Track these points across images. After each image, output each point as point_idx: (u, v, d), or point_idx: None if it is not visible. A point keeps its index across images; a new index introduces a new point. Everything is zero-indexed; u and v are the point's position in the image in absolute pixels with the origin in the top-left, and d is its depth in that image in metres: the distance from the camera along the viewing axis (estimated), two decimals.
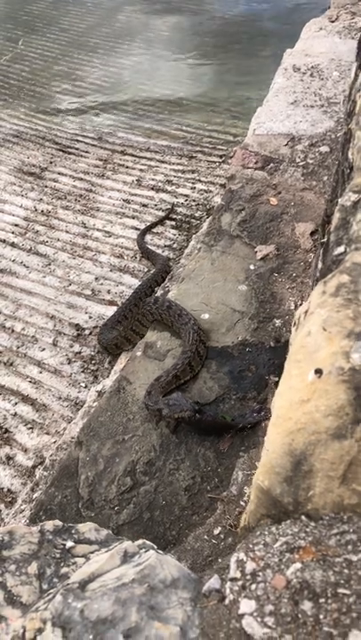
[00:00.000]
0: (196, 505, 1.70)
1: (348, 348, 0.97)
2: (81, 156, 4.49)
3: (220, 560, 1.51)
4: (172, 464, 1.80)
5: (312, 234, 2.60)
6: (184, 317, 2.21)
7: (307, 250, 2.53)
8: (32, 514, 1.81)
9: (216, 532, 1.60)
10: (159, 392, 1.97)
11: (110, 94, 5.55)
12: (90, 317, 2.99)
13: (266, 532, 0.93)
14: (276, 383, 2.02)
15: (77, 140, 4.72)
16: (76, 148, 4.60)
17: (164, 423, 1.90)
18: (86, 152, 4.53)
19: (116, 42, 6.78)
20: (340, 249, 1.27)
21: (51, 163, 4.40)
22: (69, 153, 4.53)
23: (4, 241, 3.60)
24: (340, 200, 1.44)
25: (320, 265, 1.61)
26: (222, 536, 1.59)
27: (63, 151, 4.56)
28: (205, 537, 1.60)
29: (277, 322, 2.21)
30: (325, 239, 1.55)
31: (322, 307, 1.06)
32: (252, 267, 2.48)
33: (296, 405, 0.98)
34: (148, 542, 1.00)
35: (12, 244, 3.57)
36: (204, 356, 2.11)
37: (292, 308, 2.27)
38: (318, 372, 0.97)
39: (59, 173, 4.26)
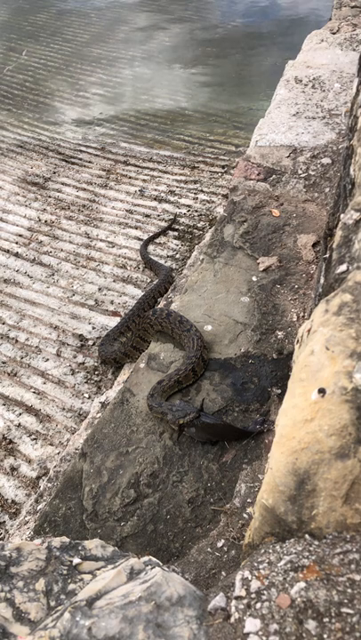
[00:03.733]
0: (199, 517, 1.71)
1: (351, 368, 0.98)
2: (84, 166, 4.52)
3: (223, 573, 1.52)
4: (176, 476, 1.81)
5: (314, 245, 2.62)
6: (185, 324, 2.23)
7: (309, 261, 2.55)
8: (36, 525, 1.82)
9: (219, 544, 1.61)
10: (161, 394, 2.00)
11: (113, 104, 5.60)
12: (93, 328, 3.01)
13: (270, 551, 0.94)
14: (279, 395, 2.03)
15: (80, 151, 4.76)
16: (80, 159, 4.63)
17: (168, 434, 1.92)
18: (89, 162, 4.57)
19: (119, 52, 6.84)
20: (343, 267, 1.29)
21: (54, 173, 4.44)
22: (73, 163, 4.57)
23: (7, 251, 3.63)
24: (341, 217, 1.46)
25: (322, 281, 1.63)
26: (225, 549, 1.60)
27: (66, 161, 4.60)
28: (209, 549, 1.61)
29: (280, 334, 2.23)
30: (328, 255, 1.57)
31: (325, 325, 1.08)
32: (254, 278, 2.50)
33: (300, 424, 0.99)
34: (153, 559, 1.01)
35: (16, 255, 3.60)
36: (207, 363, 2.13)
37: (295, 319, 2.29)
38: (322, 391, 0.99)
39: (62, 183, 4.30)
